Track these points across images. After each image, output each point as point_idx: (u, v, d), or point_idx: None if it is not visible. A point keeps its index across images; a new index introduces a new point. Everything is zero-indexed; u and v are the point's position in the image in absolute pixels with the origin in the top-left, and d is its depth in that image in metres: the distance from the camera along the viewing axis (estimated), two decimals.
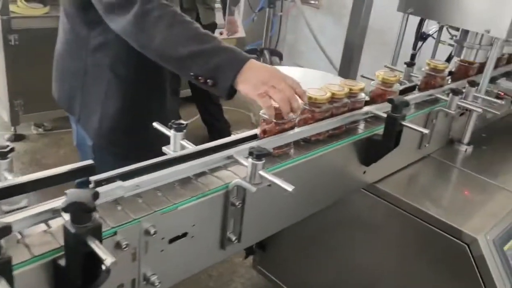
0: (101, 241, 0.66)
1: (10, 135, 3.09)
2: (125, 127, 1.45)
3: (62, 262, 0.67)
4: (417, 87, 1.56)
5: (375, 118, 1.27)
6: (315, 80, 2.64)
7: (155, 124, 1.05)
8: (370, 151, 1.24)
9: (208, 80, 1.06)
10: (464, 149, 1.67)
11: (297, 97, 1.03)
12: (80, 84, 1.43)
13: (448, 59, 1.74)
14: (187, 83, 3.25)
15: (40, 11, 2.87)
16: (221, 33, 3.77)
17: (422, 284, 1.35)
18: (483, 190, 1.45)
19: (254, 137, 1.06)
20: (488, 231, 1.24)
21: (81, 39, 1.35)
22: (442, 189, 1.45)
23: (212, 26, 2.96)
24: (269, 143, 1.02)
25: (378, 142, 1.21)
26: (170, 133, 0.99)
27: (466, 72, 1.69)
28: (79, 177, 0.81)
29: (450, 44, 1.74)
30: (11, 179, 0.78)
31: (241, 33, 4.00)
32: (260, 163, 0.86)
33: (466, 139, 1.68)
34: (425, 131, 1.15)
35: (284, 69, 2.94)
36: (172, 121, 1.00)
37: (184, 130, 1.00)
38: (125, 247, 0.74)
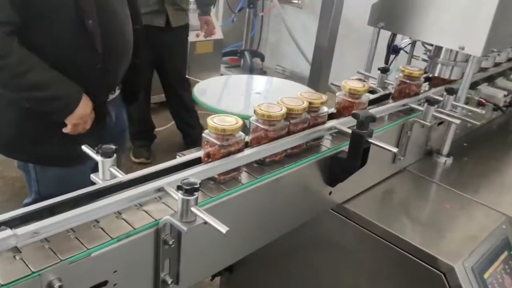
0: None
1: None
2: (29, 135, 1.51)
3: None
4: (390, 95, 1.44)
5: (341, 133, 1.15)
6: (280, 90, 2.54)
7: (84, 148, 0.91)
8: (335, 171, 1.11)
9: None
10: (444, 161, 1.56)
11: None
12: None
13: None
14: (160, 87, 3.14)
15: None
16: (197, 35, 3.64)
17: None
18: (462, 209, 1.33)
19: (198, 161, 0.93)
20: (467, 257, 1.11)
21: None
22: (418, 208, 1.33)
23: (184, 28, 2.82)
24: (213, 169, 0.89)
25: (343, 160, 1.09)
26: (97, 158, 0.86)
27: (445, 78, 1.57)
28: None
29: (424, 60, 1.62)
30: None
31: (218, 34, 3.87)
32: (191, 198, 0.73)
33: (445, 150, 1.56)
34: (394, 149, 1.02)
35: (249, 78, 2.84)
36: (100, 145, 0.86)
37: (114, 156, 0.86)
38: None
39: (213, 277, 1.73)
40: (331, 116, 1.20)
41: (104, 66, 1.50)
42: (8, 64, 1.35)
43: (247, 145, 1.00)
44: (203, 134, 0.91)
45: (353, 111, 1.04)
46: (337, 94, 1.22)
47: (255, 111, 0.98)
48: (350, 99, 1.19)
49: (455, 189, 1.40)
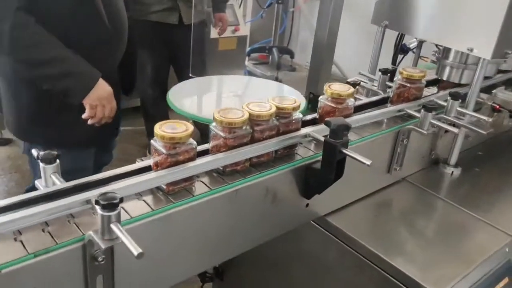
0: None
1: None
2: (42, 118, 1.55)
3: None
4: (389, 99, 1.32)
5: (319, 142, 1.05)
6: (261, 90, 2.36)
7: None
8: (310, 182, 1.02)
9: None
10: (450, 171, 1.42)
11: None
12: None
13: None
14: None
15: None
16: (218, 32, 3.58)
17: None
18: (461, 227, 1.19)
19: (148, 169, 0.87)
20: (454, 284, 0.99)
21: None
22: (410, 225, 1.20)
23: (200, 25, 2.77)
24: (158, 179, 0.83)
25: (318, 172, 0.99)
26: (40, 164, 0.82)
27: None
28: None
29: (432, 61, 1.48)
30: None
31: (243, 31, 3.79)
32: (112, 214, 0.67)
33: (453, 160, 1.42)
34: (367, 162, 0.92)
35: (227, 78, 2.63)
36: (41, 152, 0.82)
37: (56, 162, 0.82)
38: None
39: (202, 284, 1.68)
40: (313, 122, 1.11)
41: (112, 42, 1.56)
42: (24, 36, 1.38)
43: (208, 153, 0.93)
44: (151, 141, 0.85)
45: (326, 119, 0.94)
46: (319, 98, 1.12)
47: (213, 117, 0.90)
48: (332, 104, 1.09)
49: (457, 204, 1.27)
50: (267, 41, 4.98)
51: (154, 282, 0.86)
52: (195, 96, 2.25)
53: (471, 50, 1.23)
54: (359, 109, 1.24)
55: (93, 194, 0.74)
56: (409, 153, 1.30)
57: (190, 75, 2.52)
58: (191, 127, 0.84)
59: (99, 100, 1.50)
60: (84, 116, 1.53)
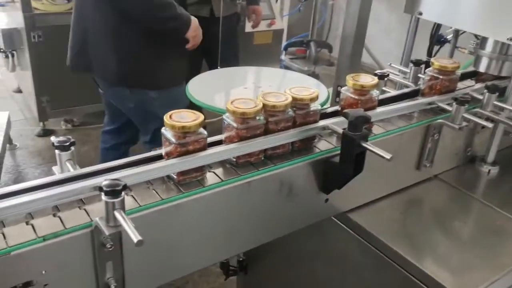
0: None
1: (38, 130, 3.18)
2: (146, 64, 1.89)
3: None
4: (420, 92, 1.25)
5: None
6: (286, 82, 2.32)
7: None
8: (329, 176, 0.99)
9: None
10: (487, 170, 1.33)
11: None
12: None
13: None
14: None
15: (63, 7, 2.88)
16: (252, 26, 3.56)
17: None
18: (496, 230, 1.11)
19: (160, 158, 0.87)
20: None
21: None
22: (439, 225, 1.13)
23: (232, 17, 2.76)
24: (168, 167, 0.82)
25: (336, 166, 0.96)
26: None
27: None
28: None
29: (470, 52, 1.38)
30: None
31: (279, 24, 3.76)
32: (116, 200, 0.67)
33: (491, 157, 1.33)
34: (387, 156, 0.87)
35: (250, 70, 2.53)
36: (57, 139, 0.84)
37: (71, 148, 0.84)
38: None
39: (226, 277, 1.68)
40: (335, 115, 1.07)
41: None
42: None
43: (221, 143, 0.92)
44: (162, 131, 0.84)
45: (344, 110, 0.90)
46: (342, 89, 1.08)
47: (226, 108, 0.89)
48: (355, 96, 1.04)
49: (493, 205, 1.19)
50: (305, 35, 4.92)
51: (164, 271, 0.86)
52: (213, 87, 2.25)
53: None
54: (387, 101, 1.19)
55: (102, 180, 0.74)
56: (441, 149, 1.23)
57: (219, 67, 2.52)
58: (201, 116, 0.83)
59: (196, 30, 1.93)
60: (188, 47, 1.95)
